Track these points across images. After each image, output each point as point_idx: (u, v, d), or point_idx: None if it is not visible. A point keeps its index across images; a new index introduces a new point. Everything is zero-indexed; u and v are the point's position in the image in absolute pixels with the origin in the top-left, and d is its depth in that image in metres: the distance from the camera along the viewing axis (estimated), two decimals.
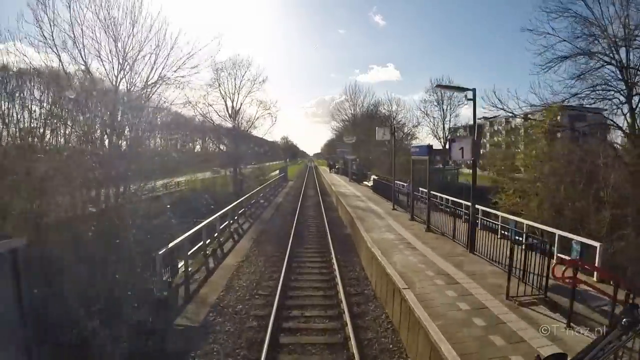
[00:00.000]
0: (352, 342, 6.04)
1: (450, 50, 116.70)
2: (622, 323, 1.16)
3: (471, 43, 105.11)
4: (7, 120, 11.17)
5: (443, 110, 44.45)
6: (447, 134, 44.15)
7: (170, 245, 8.20)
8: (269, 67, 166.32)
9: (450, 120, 44.75)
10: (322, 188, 33.85)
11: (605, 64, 14.10)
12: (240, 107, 45.53)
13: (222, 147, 47.39)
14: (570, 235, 8.55)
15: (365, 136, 52.94)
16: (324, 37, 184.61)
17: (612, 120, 14.55)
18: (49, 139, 11.48)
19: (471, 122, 9.54)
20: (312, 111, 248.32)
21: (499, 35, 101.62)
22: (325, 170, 65.57)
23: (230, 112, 45.41)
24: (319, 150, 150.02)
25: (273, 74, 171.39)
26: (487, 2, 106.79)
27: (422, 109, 44.86)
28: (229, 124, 45.82)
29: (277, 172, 46.52)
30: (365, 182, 28.81)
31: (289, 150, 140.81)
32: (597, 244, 7.51)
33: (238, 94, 45.37)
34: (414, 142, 45.63)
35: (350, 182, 32.01)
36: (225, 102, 45.13)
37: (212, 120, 45.93)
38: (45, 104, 12.16)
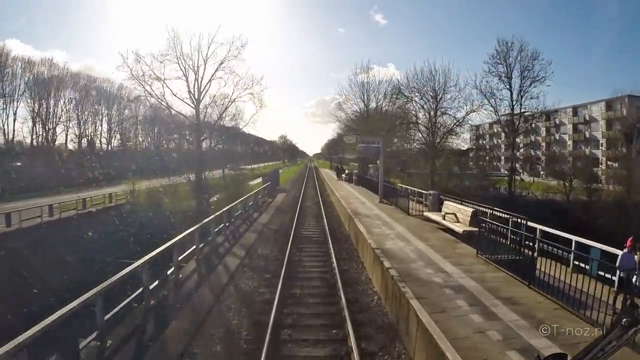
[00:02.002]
0: None
1: (451, 50, 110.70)
2: (622, 323, 1.08)
3: (471, 43, 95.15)
4: None
5: (511, 88, 28.87)
6: (519, 123, 28.95)
7: None
8: (269, 67, 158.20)
9: (521, 104, 29.06)
10: (335, 222, 19.09)
11: None
12: (209, 84, 30.68)
13: (176, 141, 32.90)
14: None
15: (385, 132, 38.10)
16: (324, 36, 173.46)
17: None
18: None
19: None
20: (312, 111, 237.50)
21: (499, 35, 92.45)
22: (329, 175, 50.01)
23: (192, 90, 30.65)
24: (319, 150, 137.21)
25: (273, 73, 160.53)
26: (488, 2, 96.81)
27: (479, 86, 29.23)
28: (193, 110, 31.18)
29: (260, 179, 31.64)
30: (429, 214, 13.60)
31: (288, 150, 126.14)
32: None
33: (205, 64, 30.47)
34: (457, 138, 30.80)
35: (381, 205, 17.32)
36: (187, 76, 30.32)
37: (167, 104, 31.12)
38: None
